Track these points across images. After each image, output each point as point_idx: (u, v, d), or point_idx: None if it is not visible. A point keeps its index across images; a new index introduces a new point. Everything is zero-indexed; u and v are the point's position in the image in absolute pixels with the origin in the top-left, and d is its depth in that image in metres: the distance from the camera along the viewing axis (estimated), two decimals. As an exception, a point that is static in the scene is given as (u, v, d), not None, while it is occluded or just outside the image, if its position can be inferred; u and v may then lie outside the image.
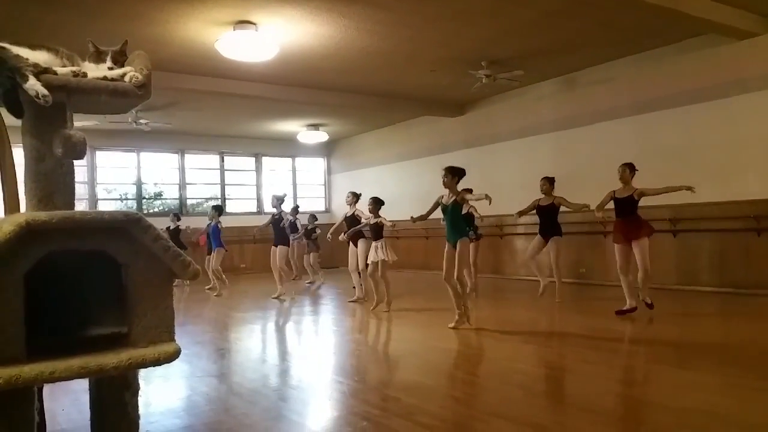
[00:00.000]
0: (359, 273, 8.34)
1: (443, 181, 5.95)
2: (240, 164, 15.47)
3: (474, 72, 8.85)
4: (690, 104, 8.17)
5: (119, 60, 1.87)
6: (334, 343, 5.92)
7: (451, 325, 5.89)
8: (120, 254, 1.63)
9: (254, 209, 15.36)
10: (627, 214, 6.40)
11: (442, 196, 5.99)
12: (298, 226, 11.57)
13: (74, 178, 1.87)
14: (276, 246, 9.24)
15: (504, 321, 6.62)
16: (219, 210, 10.36)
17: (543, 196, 7.73)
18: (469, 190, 8.63)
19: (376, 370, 4.68)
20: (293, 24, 7.01)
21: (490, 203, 5.70)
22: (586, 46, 8.34)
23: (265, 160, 15.71)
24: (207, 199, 14.95)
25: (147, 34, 7.18)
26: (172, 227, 11.62)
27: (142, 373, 4.25)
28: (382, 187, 11.96)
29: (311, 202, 15.98)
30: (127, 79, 1.78)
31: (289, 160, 16.16)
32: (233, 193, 15.31)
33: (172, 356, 1.67)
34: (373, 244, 7.51)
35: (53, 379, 1.48)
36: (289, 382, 4.25)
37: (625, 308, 6.30)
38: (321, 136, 14.01)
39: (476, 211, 8.47)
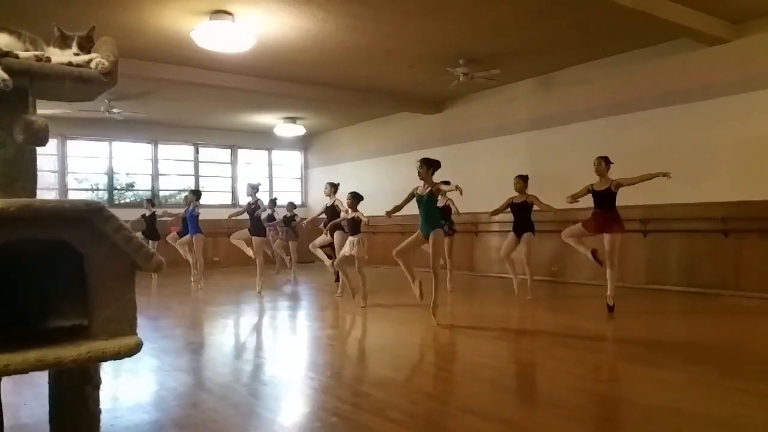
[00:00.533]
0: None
1: (418, 172, 5.95)
2: (215, 156, 15.30)
3: (452, 69, 8.86)
4: (662, 107, 8.29)
5: (86, 46, 1.82)
6: (307, 338, 5.88)
7: (418, 294, 6.06)
8: (81, 244, 1.59)
9: (229, 201, 15.21)
10: (605, 207, 6.49)
11: (417, 188, 6.01)
12: (276, 217, 11.52)
13: (36, 165, 1.82)
14: (252, 236, 9.07)
15: (476, 317, 6.65)
16: (198, 195, 10.10)
17: (517, 194, 7.78)
18: (446, 182, 8.67)
19: (348, 366, 4.67)
20: (270, 15, 6.94)
21: (461, 194, 5.70)
22: (562, 47, 8.41)
23: (241, 153, 15.55)
24: (180, 191, 14.76)
25: (121, 22, 7.05)
26: (147, 214, 11.46)
27: (110, 367, 4.23)
28: (359, 182, 11.91)
29: (288, 195, 15.86)
30: (93, 65, 1.74)
31: (266, 152, 16.02)
32: (207, 185, 15.13)
33: (133, 350, 1.64)
34: (350, 238, 7.49)
35: (8, 371, 1.43)
36: (260, 378, 4.21)
37: (612, 302, 6.43)
38: (298, 130, 13.91)
39: (454, 204, 8.51)
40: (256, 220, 9.04)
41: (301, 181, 16.63)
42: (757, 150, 7.34)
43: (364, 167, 13.97)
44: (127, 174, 14.40)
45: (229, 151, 15.36)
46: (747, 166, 7.44)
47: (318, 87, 10.44)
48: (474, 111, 11.28)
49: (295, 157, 16.62)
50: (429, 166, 5.94)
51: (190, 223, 9.93)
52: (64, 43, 1.82)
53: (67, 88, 1.73)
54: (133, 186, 14.61)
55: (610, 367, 4.26)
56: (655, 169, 7.91)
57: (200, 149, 14.95)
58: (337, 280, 9.42)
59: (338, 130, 15.16)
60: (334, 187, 8.45)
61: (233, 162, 15.41)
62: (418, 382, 4.14)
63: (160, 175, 14.50)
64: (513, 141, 10.46)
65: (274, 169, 16.23)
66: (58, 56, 1.78)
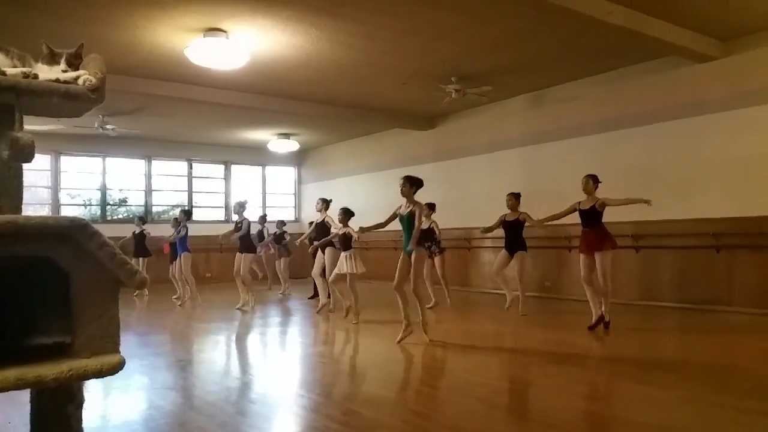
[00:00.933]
0: (322, 279, 8.26)
1: (401, 190, 5.87)
2: (209, 172, 15.31)
3: (444, 86, 8.92)
4: (652, 123, 8.36)
5: (74, 63, 1.82)
6: (298, 355, 5.85)
7: (398, 338, 5.81)
8: (64, 261, 1.58)
9: (222, 218, 15.19)
10: (591, 225, 6.47)
11: (400, 207, 5.94)
12: (265, 234, 11.49)
13: (22, 182, 1.81)
14: (241, 253, 8.98)
15: (468, 334, 6.63)
16: (189, 215, 10.07)
17: (509, 211, 7.78)
18: (432, 206, 8.70)
19: (339, 384, 4.64)
20: (264, 33, 6.98)
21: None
22: (553, 64, 8.49)
23: (235, 168, 15.57)
24: (173, 207, 14.72)
25: (115, 39, 7.09)
26: (137, 231, 11.42)
27: (100, 385, 4.18)
28: (352, 198, 11.92)
29: (281, 211, 15.87)
30: (80, 82, 1.74)
31: (260, 168, 16.04)
32: (201, 201, 15.12)
33: (116, 368, 1.62)
34: (343, 254, 7.47)
35: (-12, 390, 1.42)
36: (250, 396, 4.17)
37: (593, 323, 6.36)
38: (292, 146, 13.94)
39: (437, 227, 8.54)
40: (246, 237, 8.98)
41: (295, 196, 16.63)
42: (748, 166, 7.40)
43: (357, 183, 13.99)
44: (121, 190, 14.39)
45: (222, 166, 15.36)
46: (738, 183, 7.49)
47: (312, 103, 10.49)
48: (466, 127, 11.34)
49: (289, 173, 16.63)
50: (412, 184, 5.86)
51: (179, 242, 9.85)
52: (52, 59, 1.82)
53: (54, 105, 1.72)
54: (126, 201, 14.57)
55: (602, 385, 4.24)
56: (646, 186, 7.98)
57: (194, 165, 14.96)
58: (314, 296, 9.36)
59: (332, 146, 15.20)
60: (326, 203, 8.41)
61: (227, 177, 15.41)
62: (408, 400, 4.11)
63: (154, 190, 14.48)
64: (505, 157, 10.51)
65: (267, 185, 16.23)
66: (46, 73, 1.78)
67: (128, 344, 6.42)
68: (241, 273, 8.87)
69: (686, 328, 6.78)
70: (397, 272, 5.87)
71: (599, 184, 6.57)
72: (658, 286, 8.28)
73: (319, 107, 10.65)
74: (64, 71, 1.79)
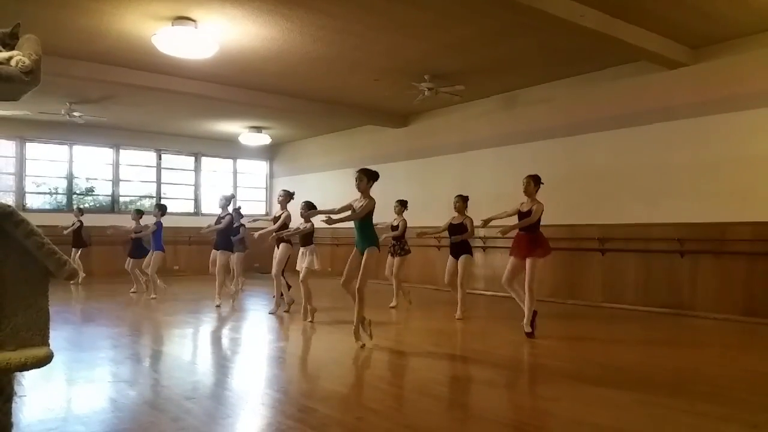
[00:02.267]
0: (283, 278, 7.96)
1: (357, 184, 5.60)
2: (178, 163, 15.08)
3: (417, 84, 8.90)
4: (621, 128, 8.44)
5: (9, 43, 1.74)
6: (257, 351, 5.76)
7: (359, 344, 5.52)
8: (-11, 249, 1.51)
9: (191, 210, 14.99)
10: (528, 229, 6.21)
11: (355, 200, 5.67)
12: (241, 231, 11.09)
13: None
14: (217, 249, 8.57)
15: (428, 333, 6.61)
16: (164, 210, 9.69)
17: (456, 214, 7.59)
18: (403, 203, 8.66)
19: (297, 381, 4.59)
20: (234, 23, 6.87)
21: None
22: (526, 66, 8.52)
23: (205, 161, 15.37)
24: (141, 197, 14.48)
25: (82, 25, 6.92)
26: (76, 222, 11.47)
27: (45, 375, 4.07)
28: (324, 193, 11.87)
29: (252, 205, 15.72)
30: (12, 63, 1.66)
31: (231, 161, 15.86)
32: (170, 192, 14.89)
33: (42, 361, 1.55)
34: (301, 249, 7.32)
35: None
36: (205, 392, 4.09)
37: (529, 328, 6.09)
38: (263, 139, 13.80)
39: (405, 225, 8.47)
40: (224, 232, 8.56)
41: (266, 190, 16.48)
42: (713, 173, 7.51)
43: (329, 178, 13.91)
44: (88, 179, 14.09)
45: (192, 158, 15.15)
46: (703, 188, 7.61)
47: (283, 97, 10.37)
48: (439, 126, 11.34)
49: (261, 167, 16.48)
50: (369, 178, 5.60)
51: (152, 239, 9.50)
52: (-15, 39, 1.75)
53: (-17, 87, 1.65)
54: (93, 191, 14.29)
55: (558, 386, 4.25)
56: (614, 189, 8.06)
57: (163, 156, 14.72)
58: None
59: (304, 141, 15.10)
60: (288, 196, 7.92)
61: (197, 169, 15.21)
62: (365, 397, 4.07)
63: (121, 180, 14.23)
64: (477, 157, 10.53)
65: (239, 178, 16.06)
66: (-21, 53, 1.70)
67: (86, 336, 6.28)
68: (217, 269, 8.49)
69: (648, 331, 6.86)
70: (345, 268, 5.63)
71: (541, 186, 6.35)
72: (622, 289, 8.37)
73: (290, 101, 10.54)
74: (-2, 52, 1.72)
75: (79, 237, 11.59)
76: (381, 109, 11.43)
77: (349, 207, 5.70)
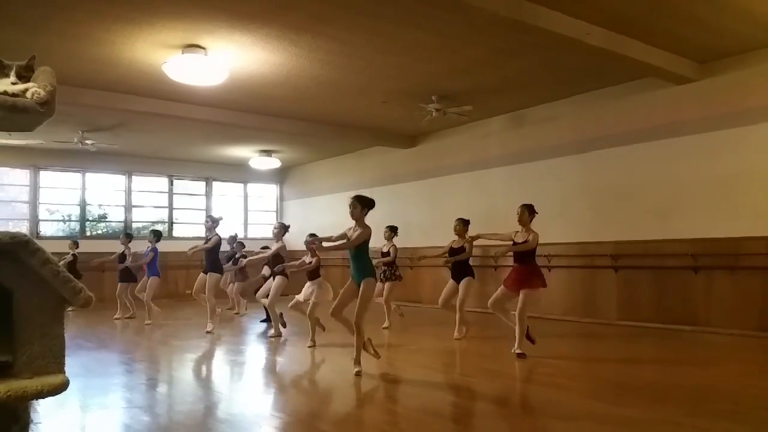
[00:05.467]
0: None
1: (351, 212, 5.36)
2: (190, 188, 15.20)
3: (424, 105, 8.95)
4: (631, 144, 8.43)
5: (24, 75, 1.79)
6: (269, 376, 5.74)
7: (371, 351, 5.46)
8: (6, 278, 1.53)
9: (202, 234, 15.03)
10: (522, 261, 6.04)
11: (349, 229, 5.42)
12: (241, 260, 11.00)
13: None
14: (206, 273, 8.40)
15: (438, 353, 6.55)
16: (158, 236, 9.73)
17: (456, 238, 7.58)
18: (393, 228, 8.67)
19: (308, 403, 4.56)
20: (243, 50, 6.97)
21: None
22: (533, 85, 8.55)
23: (216, 185, 15.48)
24: (153, 223, 14.58)
25: (93, 54, 7.05)
26: (69, 256, 11.14)
27: (60, 401, 4.07)
28: (335, 216, 11.89)
29: (262, 228, 15.77)
30: (28, 95, 1.70)
31: (241, 185, 15.96)
32: (181, 218, 14.99)
33: (58, 389, 1.56)
34: (308, 284, 7.17)
35: None
36: (217, 416, 4.08)
37: (520, 350, 5.93)
38: (273, 163, 13.90)
39: (395, 251, 8.51)
40: (212, 254, 8.40)
41: (277, 213, 16.54)
42: (725, 187, 7.46)
43: (339, 200, 13.88)
44: (100, 205, 14.22)
45: (204, 183, 15.27)
46: (715, 204, 7.55)
47: (292, 121, 10.47)
48: (447, 146, 11.38)
49: (271, 190, 16.57)
50: (364, 205, 5.36)
51: (147, 265, 9.48)
52: (1, 71, 1.78)
53: (0, 118, 1.69)
54: (106, 217, 14.41)
55: (574, 405, 4.20)
56: (625, 206, 8.03)
57: (175, 181, 14.85)
58: (266, 320, 9.01)
59: (314, 164, 15.19)
60: (284, 229, 7.95)
61: (208, 194, 15.32)
62: (377, 420, 4.04)
63: (134, 206, 14.35)
64: (486, 176, 10.54)
65: (249, 202, 16.15)
66: (-5, 85, 1.74)
67: (99, 361, 6.28)
68: (206, 294, 8.31)
69: (663, 348, 6.77)
70: (338, 297, 5.43)
71: (535, 215, 6.18)
72: (636, 306, 8.28)
73: (299, 124, 10.63)
74: (14, 83, 1.76)
75: (74, 270, 10.71)
76: (389, 130, 11.49)
77: (343, 236, 5.45)
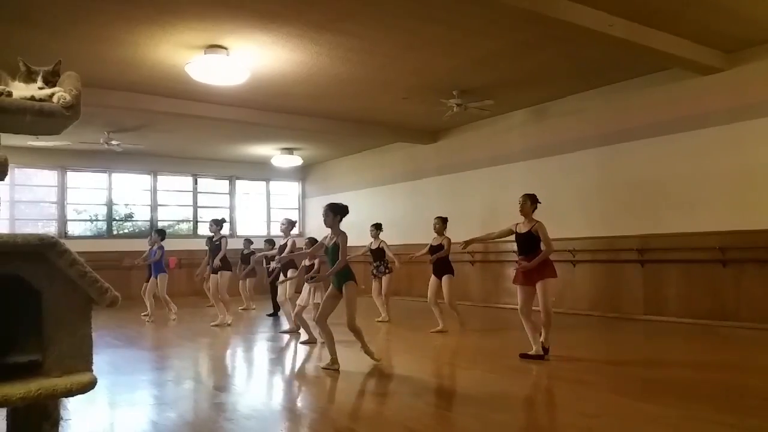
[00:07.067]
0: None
1: (324, 220, 5.40)
2: (214, 187, 15.37)
3: (445, 101, 8.92)
4: (655, 136, 8.30)
5: (51, 80, 1.82)
6: (290, 371, 5.78)
7: (323, 365, 5.46)
8: (35, 279, 1.57)
9: (227, 232, 15.17)
10: (528, 252, 5.69)
11: (325, 237, 5.50)
12: (251, 259, 11.16)
13: (-1, 199, 1.81)
14: (215, 273, 8.75)
15: (457, 349, 6.55)
16: (163, 234, 9.79)
17: (435, 235, 7.84)
18: (378, 225, 8.76)
19: (334, 400, 4.59)
20: (265, 49, 7.02)
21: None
22: (555, 78, 8.46)
23: (239, 183, 15.63)
24: (179, 221, 14.77)
25: (117, 56, 7.15)
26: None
27: (89, 398, 4.15)
28: (356, 212, 11.76)
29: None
30: (54, 99, 1.73)
31: (264, 183, 16.09)
32: (205, 216, 15.14)
33: (87, 387, 1.60)
34: (307, 285, 6.97)
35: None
36: (244, 412, 4.12)
37: (530, 353, 5.63)
38: (295, 161, 13.99)
39: (387, 247, 8.75)
40: (222, 256, 8.73)
41: (299, 211, 16.64)
42: (753, 179, 7.32)
43: (361, 197, 13.97)
44: (126, 205, 14.46)
45: (227, 181, 15.43)
46: (743, 196, 7.42)
47: (314, 118, 10.52)
48: (469, 141, 11.33)
49: (293, 188, 16.67)
50: (336, 213, 5.37)
51: (153, 264, 9.55)
52: (29, 77, 1.82)
53: (28, 122, 1.72)
54: (132, 217, 14.64)
55: (602, 401, 4.16)
56: (650, 199, 7.89)
57: (199, 180, 15.03)
58: (273, 314, 9.41)
59: (335, 161, 15.24)
60: (291, 225, 8.23)
61: (231, 192, 15.48)
62: (403, 416, 4.04)
63: (159, 205, 14.55)
64: (508, 170, 10.47)
65: (272, 200, 16.27)
66: (23, 90, 1.77)
67: (127, 359, 6.37)
68: (219, 292, 8.67)
69: (691, 343, 6.68)
70: (321, 304, 5.49)
71: (538, 205, 5.86)
72: (663, 301, 8.17)
73: (321, 122, 10.68)
74: (41, 88, 1.79)
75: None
76: (410, 126, 11.48)
77: (320, 245, 5.60)
